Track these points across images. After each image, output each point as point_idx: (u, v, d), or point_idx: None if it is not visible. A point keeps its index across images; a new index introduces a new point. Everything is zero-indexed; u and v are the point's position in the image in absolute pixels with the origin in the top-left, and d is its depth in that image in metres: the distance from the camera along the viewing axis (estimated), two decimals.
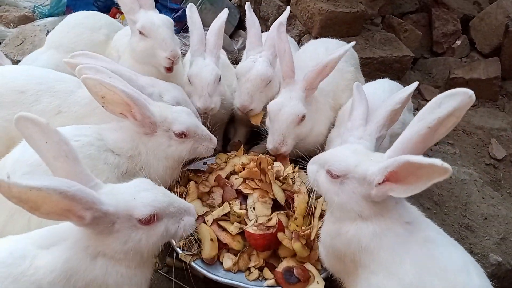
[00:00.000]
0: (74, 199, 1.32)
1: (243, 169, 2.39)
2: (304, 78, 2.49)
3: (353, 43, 2.53)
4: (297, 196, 2.24)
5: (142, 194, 1.55)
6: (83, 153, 1.92)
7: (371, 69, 3.73)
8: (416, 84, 2.15)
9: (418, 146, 1.49)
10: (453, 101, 1.42)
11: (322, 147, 2.68)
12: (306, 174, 2.01)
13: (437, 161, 1.28)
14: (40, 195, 1.26)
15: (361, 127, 2.17)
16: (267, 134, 2.72)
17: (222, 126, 3.19)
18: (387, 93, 2.50)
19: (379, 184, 1.49)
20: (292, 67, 2.51)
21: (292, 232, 2.09)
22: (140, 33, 2.66)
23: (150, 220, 1.52)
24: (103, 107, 2.02)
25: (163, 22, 2.69)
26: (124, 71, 2.33)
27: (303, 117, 2.47)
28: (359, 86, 2.35)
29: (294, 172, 2.41)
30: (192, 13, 2.81)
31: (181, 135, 2.17)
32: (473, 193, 2.96)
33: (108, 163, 2.01)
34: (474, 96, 1.40)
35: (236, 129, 3.22)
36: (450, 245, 1.59)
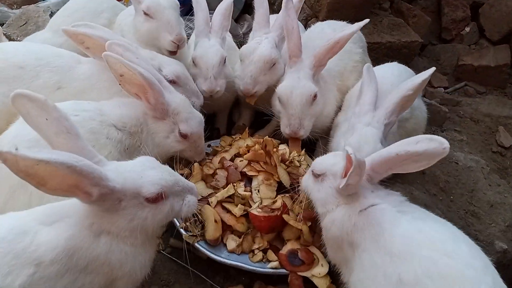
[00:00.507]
0: (82, 174, 1.29)
1: (248, 151, 2.36)
2: (313, 54, 2.43)
3: (366, 20, 2.44)
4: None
5: (149, 173, 1.53)
6: (84, 127, 1.89)
7: (379, 54, 3.67)
8: (432, 70, 2.10)
9: (381, 166, 1.69)
10: (429, 143, 1.55)
11: (328, 130, 2.65)
12: (313, 158, 2.02)
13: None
14: (47, 169, 1.23)
15: (369, 112, 2.13)
16: (273, 116, 2.69)
17: (227, 109, 3.16)
18: (396, 77, 2.45)
19: (343, 177, 1.68)
20: (299, 45, 2.45)
21: (297, 215, 2.07)
22: (145, 13, 2.62)
23: (157, 199, 1.51)
24: (120, 84, 2.01)
25: (169, 3, 2.64)
26: (123, 42, 2.28)
27: (315, 95, 2.42)
28: (370, 68, 2.30)
29: (300, 155, 2.38)
30: None
31: (184, 136, 2.19)
32: (479, 180, 2.92)
33: (111, 137, 1.99)
34: (447, 149, 1.52)
35: (241, 112, 3.19)
36: (438, 221, 1.66)
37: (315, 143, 2.74)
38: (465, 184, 2.88)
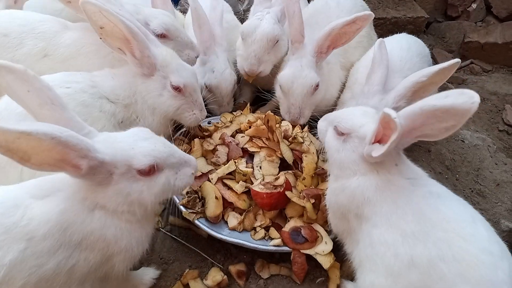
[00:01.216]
0: (67, 146, 1.21)
1: (250, 127, 2.28)
2: (316, 41, 2.29)
3: (370, 13, 2.21)
4: (305, 156, 2.15)
5: (141, 144, 1.44)
6: (75, 100, 1.81)
7: (384, 31, 3.57)
8: (456, 61, 1.84)
9: (406, 124, 1.40)
10: (457, 97, 1.29)
11: (331, 109, 2.57)
12: (316, 135, 1.94)
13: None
14: (30, 142, 1.15)
15: (377, 94, 2.05)
16: (273, 96, 2.61)
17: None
18: (405, 51, 2.35)
19: (371, 143, 1.53)
20: (301, 30, 2.32)
21: (301, 192, 2.01)
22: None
23: (150, 171, 1.43)
24: (101, 39, 1.88)
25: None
26: None
27: (317, 85, 2.33)
28: (382, 44, 2.19)
29: (303, 131, 2.31)
30: (195, 4, 2.55)
31: (177, 88, 2.05)
32: (486, 159, 2.86)
33: (104, 110, 1.91)
34: (476, 105, 1.26)
35: (242, 89, 3.09)
36: (456, 200, 1.56)
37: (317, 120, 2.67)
38: (471, 163, 2.82)
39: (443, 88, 3.14)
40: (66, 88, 1.82)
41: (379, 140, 1.53)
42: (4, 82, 1.32)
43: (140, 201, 1.44)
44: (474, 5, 4.38)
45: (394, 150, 1.57)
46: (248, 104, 2.56)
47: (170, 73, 2.04)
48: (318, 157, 2.21)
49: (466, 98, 1.26)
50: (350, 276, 1.86)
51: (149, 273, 1.88)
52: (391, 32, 3.56)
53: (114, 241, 1.45)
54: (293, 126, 2.35)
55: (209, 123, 2.53)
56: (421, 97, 1.92)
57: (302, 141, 2.21)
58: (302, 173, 2.11)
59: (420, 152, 2.78)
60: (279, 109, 2.49)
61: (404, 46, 2.39)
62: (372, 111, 1.74)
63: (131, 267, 1.60)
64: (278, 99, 2.46)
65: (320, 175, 2.14)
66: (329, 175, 1.81)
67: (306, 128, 2.37)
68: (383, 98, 2.05)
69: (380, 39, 2.22)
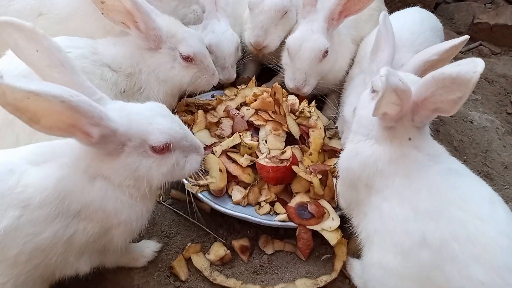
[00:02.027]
0: (79, 111, 1.15)
1: (255, 100, 2.21)
2: (328, 6, 2.19)
3: None
4: (312, 131, 2.08)
5: (159, 120, 1.38)
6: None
7: (392, 9, 3.43)
8: (465, 37, 1.80)
9: (420, 95, 1.40)
10: (464, 66, 1.25)
11: (340, 84, 2.49)
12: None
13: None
14: (39, 103, 1.09)
15: None
16: (279, 70, 2.53)
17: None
18: (417, 25, 2.25)
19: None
20: None
21: (307, 167, 1.94)
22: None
23: (163, 149, 1.37)
24: (102, 14, 1.80)
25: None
26: None
27: (326, 51, 2.23)
28: (386, 18, 2.07)
29: (310, 106, 2.23)
30: None
31: (187, 58, 1.99)
32: (494, 141, 2.80)
33: (105, 79, 1.83)
34: (478, 74, 1.21)
35: (246, 65, 3.00)
36: (475, 179, 1.49)
37: (325, 97, 2.60)
38: (479, 144, 2.76)
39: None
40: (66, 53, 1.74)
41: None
42: (11, 40, 1.25)
43: (147, 178, 1.39)
44: None
45: (410, 124, 1.48)
46: (253, 77, 2.47)
47: (178, 44, 1.97)
48: (325, 133, 2.14)
49: (470, 67, 1.22)
50: (356, 254, 1.81)
51: (150, 246, 1.83)
52: (399, 10, 3.48)
53: (114, 213, 1.39)
54: (300, 100, 2.26)
55: (212, 96, 2.45)
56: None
57: (309, 115, 2.13)
58: (309, 148, 2.04)
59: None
60: (283, 83, 2.40)
61: (416, 20, 2.29)
62: (414, 78, 1.63)
63: (130, 241, 1.55)
64: (284, 66, 2.36)
65: (327, 152, 2.08)
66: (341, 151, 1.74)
67: (313, 103, 2.29)
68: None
69: (383, 12, 2.11)
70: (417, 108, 1.43)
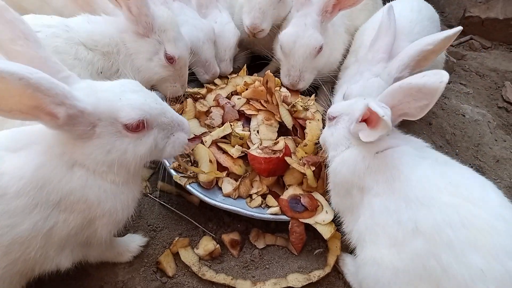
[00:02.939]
0: (40, 89, 1.05)
1: (246, 89, 2.13)
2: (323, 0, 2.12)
3: None
4: (309, 122, 2.01)
5: (130, 96, 1.28)
6: (47, 46, 1.59)
7: (384, 0, 3.41)
8: (459, 29, 1.79)
9: (387, 102, 1.47)
10: (430, 78, 1.37)
11: (334, 75, 2.43)
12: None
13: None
14: None
15: (382, 62, 1.95)
16: (272, 58, 2.45)
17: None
18: (415, 13, 2.21)
19: (359, 122, 1.52)
20: None
21: (300, 159, 1.87)
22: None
23: (138, 127, 1.26)
24: None
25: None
26: None
27: (321, 48, 2.17)
28: (391, 10, 2.03)
29: (309, 99, 2.18)
30: None
31: (170, 59, 1.90)
32: (486, 135, 2.78)
33: (80, 58, 1.72)
34: (443, 85, 1.32)
35: (236, 54, 2.91)
36: (463, 167, 1.51)
37: (318, 88, 2.54)
38: (471, 138, 2.73)
39: (444, 62, 3.05)
40: (36, 32, 1.63)
41: (366, 119, 1.51)
42: None
43: (122, 161, 1.29)
44: None
45: None
46: (245, 66, 2.39)
47: (167, 41, 1.88)
48: (323, 124, 2.08)
49: (436, 78, 1.32)
50: (349, 249, 1.75)
51: (135, 240, 1.74)
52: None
53: (97, 203, 1.30)
54: (293, 93, 2.19)
55: (202, 85, 2.36)
56: (421, 66, 1.89)
57: (301, 108, 2.06)
58: (302, 139, 1.98)
59: (421, 125, 2.67)
60: (277, 74, 2.32)
61: (415, 8, 2.25)
62: (360, 99, 1.69)
63: (115, 233, 1.46)
64: (278, 60, 2.30)
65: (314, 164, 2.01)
66: (328, 165, 1.72)
67: (313, 96, 2.23)
68: (386, 66, 1.92)
69: (390, 3, 2.06)
70: None
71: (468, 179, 1.41)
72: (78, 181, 1.26)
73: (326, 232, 1.75)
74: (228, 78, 2.34)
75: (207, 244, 1.78)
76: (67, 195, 1.25)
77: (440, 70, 1.34)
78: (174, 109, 1.92)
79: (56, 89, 1.09)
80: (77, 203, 1.27)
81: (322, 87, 2.53)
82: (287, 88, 2.25)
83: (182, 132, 1.43)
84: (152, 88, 2.01)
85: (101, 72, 1.79)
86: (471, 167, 2.62)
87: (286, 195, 1.84)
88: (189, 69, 2.16)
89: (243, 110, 2.04)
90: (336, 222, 1.76)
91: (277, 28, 2.42)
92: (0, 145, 1.23)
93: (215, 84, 2.31)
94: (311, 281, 1.73)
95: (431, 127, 2.68)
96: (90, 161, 1.26)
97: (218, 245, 1.78)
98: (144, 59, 1.88)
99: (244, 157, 1.90)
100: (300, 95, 2.25)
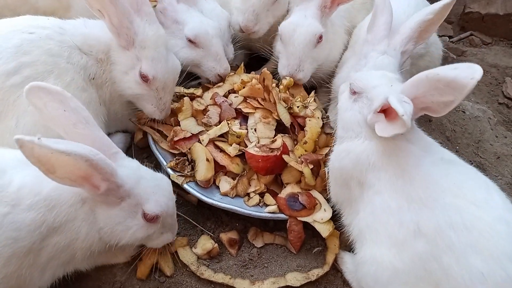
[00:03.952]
0: (97, 168, 1.22)
1: (244, 87, 2.11)
2: None
3: None
4: (309, 120, 1.99)
5: (161, 192, 1.47)
6: (40, 47, 1.64)
7: None
8: None
9: (411, 92, 1.39)
10: (462, 71, 1.25)
11: (333, 74, 2.42)
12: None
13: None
14: (61, 159, 1.16)
15: (384, 39, 1.90)
16: (271, 55, 2.44)
17: None
18: (412, 8, 2.20)
19: (377, 112, 1.45)
20: None
21: (299, 157, 1.86)
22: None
23: (152, 219, 1.44)
24: None
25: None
26: None
27: (321, 37, 2.15)
28: None
29: (309, 96, 2.16)
30: None
31: (144, 77, 1.81)
32: (486, 131, 2.76)
33: (72, 62, 1.71)
34: (474, 81, 1.20)
35: (234, 53, 2.90)
36: (468, 167, 1.48)
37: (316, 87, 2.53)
38: (471, 134, 2.72)
39: (443, 58, 3.04)
40: (29, 34, 1.64)
41: (385, 110, 1.43)
42: (41, 103, 1.30)
43: (121, 234, 1.42)
44: None
45: None
46: (242, 64, 2.38)
47: (144, 58, 1.80)
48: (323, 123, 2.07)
49: (468, 73, 1.21)
50: (348, 247, 1.75)
51: None
52: None
53: (83, 239, 1.40)
54: (296, 88, 2.18)
55: (199, 84, 2.35)
56: (424, 38, 1.90)
57: (298, 110, 2.04)
58: (301, 137, 1.96)
59: (421, 121, 2.65)
60: (275, 72, 2.31)
61: (412, 3, 2.25)
62: (391, 76, 1.64)
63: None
64: (277, 54, 2.28)
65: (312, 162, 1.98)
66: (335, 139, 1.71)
67: (312, 93, 2.21)
68: (389, 43, 1.90)
69: None
70: None
71: (473, 179, 1.39)
72: (83, 214, 1.37)
73: (324, 230, 1.74)
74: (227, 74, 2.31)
75: (205, 243, 1.78)
76: (70, 221, 1.35)
77: (473, 64, 1.23)
78: (171, 108, 1.95)
79: (107, 168, 1.26)
80: (71, 232, 1.37)
81: (322, 85, 2.53)
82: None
83: (171, 234, 1.61)
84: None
85: (93, 79, 1.79)
86: (472, 163, 2.61)
87: (284, 193, 1.83)
88: (198, 67, 2.20)
89: (240, 108, 2.03)
90: (335, 216, 1.75)
91: (275, 27, 2.41)
92: (21, 161, 1.29)
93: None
94: (309, 280, 1.72)
95: (431, 123, 2.66)
96: (103, 220, 1.39)
97: (216, 244, 1.78)
98: (121, 71, 1.84)
99: (242, 155, 1.89)
100: (302, 89, 2.23)
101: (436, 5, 1.80)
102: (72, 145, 1.18)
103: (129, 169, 1.41)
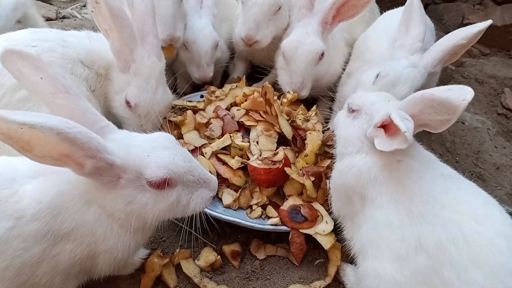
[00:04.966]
0: (75, 143, 1.10)
1: (246, 101, 2.14)
2: (322, 10, 2.16)
3: None
4: (310, 133, 2.02)
5: (159, 153, 1.30)
6: (43, 60, 1.64)
7: (382, 8, 3.42)
8: (489, 22, 1.83)
9: (408, 110, 1.41)
10: (454, 92, 1.30)
11: (334, 86, 2.45)
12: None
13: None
14: (34, 134, 1.05)
15: (418, 52, 1.91)
16: (271, 70, 2.48)
17: (220, 69, 2.90)
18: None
19: (377, 127, 1.48)
20: None
21: (301, 169, 1.89)
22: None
23: (161, 184, 1.28)
24: (92, 12, 1.70)
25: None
26: None
27: (322, 54, 2.19)
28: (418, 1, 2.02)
29: (311, 110, 2.19)
30: None
31: (127, 102, 1.89)
32: (485, 142, 2.78)
33: (76, 73, 1.75)
34: (466, 103, 1.27)
35: (235, 64, 2.94)
36: (467, 182, 1.49)
37: (316, 100, 2.57)
38: (471, 145, 2.74)
39: (443, 69, 3.07)
40: (32, 47, 1.67)
41: (385, 125, 1.46)
42: (15, 68, 1.22)
43: (140, 214, 1.31)
44: None
45: None
46: (244, 77, 2.41)
47: (133, 85, 1.86)
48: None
49: (459, 94, 1.27)
50: (350, 259, 1.76)
51: (137, 253, 1.75)
52: (389, 9, 3.46)
53: (103, 239, 1.33)
54: (297, 105, 2.21)
55: (201, 96, 2.39)
56: (451, 61, 1.92)
57: (300, 123, 2.07)
58: (302, 150, 1.99)
59: (420, 132, 2.65)
60: (275, 85, 2.35)
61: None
62: (386, 95, 1.66)
63: (115, 269, 1.49)
64: (279, 71, 2.32)
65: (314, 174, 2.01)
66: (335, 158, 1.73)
67: (314, 107, 2.25)
68: (421, 58, 1.91)
69: None
70: None
71: (472, 195, 1.41)
72: (92, 215, 1.30)
73: (326, 242, 1.76)
74: (229, 89, 2.35)
75: (208, 256, 1.79)
76: (78, 226, 1.29)
77: (466, 86, 1.29)
78: (175, 122, 1.98)
79: (90, 143, 1.13)
80: (86, 236, 1.31)
81: (323, 98, 2.56)
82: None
83: (206, 189, 1.42)
84: None
85: (94, 91, 1.83)
86: (471, 174, 2.63)
87: (286, 205, 1.85)
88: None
89: (242, 121, 2.05)
90: (337, 229, 1.76)
91: (277, 39, 2.45)
92: (29, 170, 1.29)
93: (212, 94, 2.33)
94: None
95: (431, 135, 2.68)
96: (110, 207, 1.30)
97: (219, 256, 1.79)
98: (114, 91, 1.91)
99: (244, 168, 1.91)
100: (302, 106, 2.26)
101: (472, 30, 1.80)
102: (41, 117, 1.05)
103: (118, 141, 1.29)
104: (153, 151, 1.29)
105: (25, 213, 1.22)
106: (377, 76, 1.90)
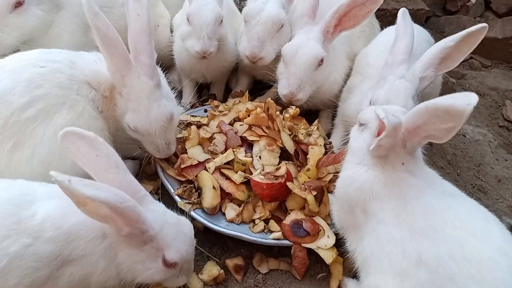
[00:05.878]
0: (122, 214, 1.27)
1: (248, 116, 2.18)
2: (324, 19, 2.20)
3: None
4: (312, 148, 2.05)
5: (182, 238, 1.49)
6: (50, 81, 1.70)
7: (384, 22, 3.45)
8: (483, 25, 1.86)
9: (412, 123, 1.42)
10: (458, 99, 1.29)
11: (336, 98, 2.48)
12: None
13: None
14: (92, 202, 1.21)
15: (403, 63, 1.94)
16: (274, 83, 2.51)
17: (224, 78, 2.94)
18: (415, 37, 2.25)
19: (375, 137, 1.50)
20: (316, 6, 2.26)
21: (303, 184, 1.91)
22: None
23: (171, 265, 1.46)
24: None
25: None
26: None
27: (322, 60, 2.22)
28: (406, 13, 2.08)
29: (313, 125, 2.23)
30: None
31: (128, 126, 1.88)
32: (487, 154, 2.80)
33: (82, 94, 1.78)
34: (471, 107, 1.24)
35: (238, 78, 2.98)
36: (468, 200, 1.51)
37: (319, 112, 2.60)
38: (472, 158, 2.76)
39: (444, 82, 3.10)
40: (41, 68, 1.70)
41: None
42: (74, 147, 1.35)
43: (138, 273, 1.45)
44: (473, 0, 4.32)
45: (401, 150, 1.50)
46: (247, 92, 2.45)
47: (128, 109, 1.85)
48: (326, 150, 2.13)
49: (464, 100, 1.25)
50: (351, 273, 1.78)
51: None
52: (391, 24, 3.47)
53: (99, 273, 1.43)
54: (297, 117, 2.24)
55: (205, 111, 2.42)
56: (448, 67, 1.91)
57: (302, 138, 2.11)
58: (304, 164, 2.02)
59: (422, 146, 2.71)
60: (278, 98, 2.38)
61: (414, 32, 2.30)
62: (396, 108, 1.66)
63: None
64: (279, 76, 2.34)
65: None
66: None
67: (316, 121, 2.28)
68: (408, 67, 1.94)
69: (403, 8, 2.09)
70: (409, 135, 1.44)
71: (473, 212, 1.43)
72: (102, 249, 1.41)
73: (328, 256, 1.78)
74: (232, 103, 2.38)
75: (211, 269, 1.81)
76: (86, 255, 1.39)
77: (468, 92, 1.28)
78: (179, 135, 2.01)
79: (132, 216, 1.29)
80: (89, 266, 1.41)
81: (324, 111, 2.60)
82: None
83: (186, 277, 1.60)
84: None
85: (101, 112, 1.87)
86: (473, 187, 2.65)
87: (288, 220, 1.87)
88: None
89: (245, 136, 2.09)
90: (339, 242, 1.78)
91: (280, 55, 2.49)
92: (47, 194, 1.40)
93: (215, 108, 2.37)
94: None
95: (432, 148, 2.71)
96: (121, 256, 1.43)
97: (222, 270, 1.81)
98: (120, 113, 1.90)
99: (247, 182, 1.94)
100: (303, 120, 2.30)
101: (458, 34, 1.84)
102: (99, 191, 1.21)
103: (156, 214, 1.44)
104: (179, 236, 1.48)
105: (43, 235, 1.32)
106: (370, 102, 1.94)
